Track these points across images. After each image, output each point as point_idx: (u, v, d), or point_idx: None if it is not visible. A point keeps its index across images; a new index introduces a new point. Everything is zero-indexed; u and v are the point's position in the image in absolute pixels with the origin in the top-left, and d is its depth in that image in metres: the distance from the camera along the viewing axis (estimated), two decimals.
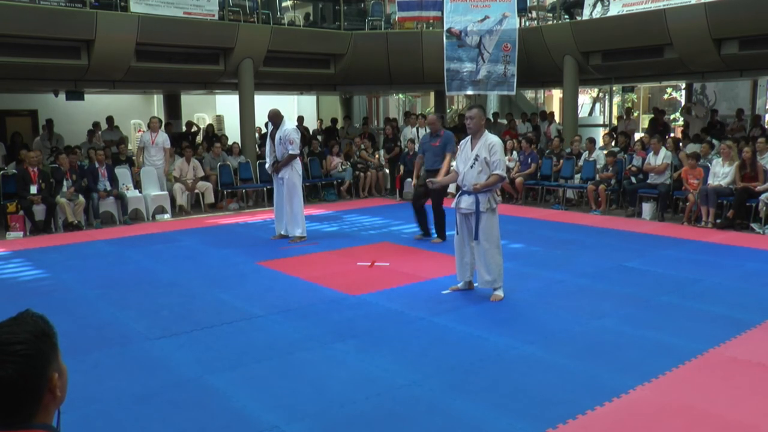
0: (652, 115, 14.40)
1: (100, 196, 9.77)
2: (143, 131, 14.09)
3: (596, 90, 22.34)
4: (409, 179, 12.31)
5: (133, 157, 11.79)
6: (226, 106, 18.11)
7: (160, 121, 11.80)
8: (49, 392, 1.25)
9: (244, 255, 7.41)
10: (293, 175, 8.06)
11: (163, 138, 11.02)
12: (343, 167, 12.81)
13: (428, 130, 8.47)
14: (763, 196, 8.39)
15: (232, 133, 15.01)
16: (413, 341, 4.47)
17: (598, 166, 10.86)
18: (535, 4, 15.25)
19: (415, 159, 8.73)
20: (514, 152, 11.84)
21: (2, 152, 11.69)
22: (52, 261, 7.30)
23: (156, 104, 17.36)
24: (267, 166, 8.36)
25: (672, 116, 19.38)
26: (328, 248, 7.72)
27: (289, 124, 8.20)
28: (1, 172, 9.82)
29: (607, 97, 21.21)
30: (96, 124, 13.07)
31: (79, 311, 5.34)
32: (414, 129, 13.21)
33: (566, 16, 13.12)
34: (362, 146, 13.26)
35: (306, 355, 4.23)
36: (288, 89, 16.25)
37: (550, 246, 7.74)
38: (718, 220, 8.79)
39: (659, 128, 12.85)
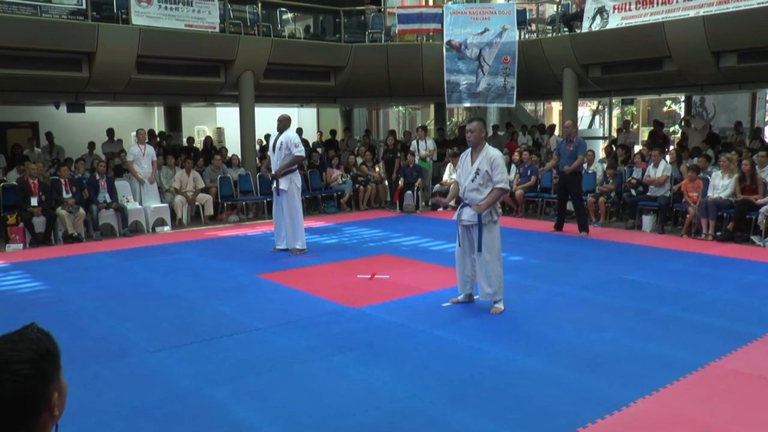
0: (652, 128, 14.44)
1: (99, 208, 9.77)
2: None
3: (596, 102, 22.40)
4: (409, 192, 12.35)
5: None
6: (226, 118, 18.16)
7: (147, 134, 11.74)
8: (47, 411, 1.24)
9: (243, 267, 7.41)
10: (292, 188, 8.09)
11: (151, 150, 10.96)
12: (343, 179, 12.83)
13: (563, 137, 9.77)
14: (763, 209, 8.38)
15: (233, 145, 15.03)
16: (413, 354, 4.45)
17: (597, 179, 10.88)
18: (535, 16, 15.32)
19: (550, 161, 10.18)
20: (513, 165, 11.81)
21: (2, 164, 11.70)
22: (51, 273, 7.30)
23: (156, 116, 17.42)
24: (272, 166, 8.26)
25: (672, 129, 19.42)
26: (328, 261, 7.72)
27: (291, 131, 8.33)
28: (2, 184, 9.83)
29: (606, 109, 21.27)
30: (91, 144, 12.77)
31: (78, 323, 5.33)
32: (415, 141, 13.24)
33: (566, 29, 13.17)
34: (359, 161, 13.27)
35: (306, 368, 4.22)
36: (288, 101, 16.29)
37: (551, 258, 7.73)
38: (718, 233, 8.78)
39: (659, 141, 12.88)
